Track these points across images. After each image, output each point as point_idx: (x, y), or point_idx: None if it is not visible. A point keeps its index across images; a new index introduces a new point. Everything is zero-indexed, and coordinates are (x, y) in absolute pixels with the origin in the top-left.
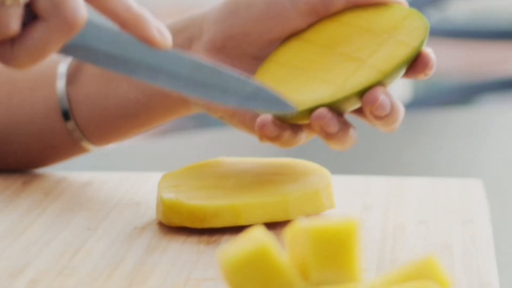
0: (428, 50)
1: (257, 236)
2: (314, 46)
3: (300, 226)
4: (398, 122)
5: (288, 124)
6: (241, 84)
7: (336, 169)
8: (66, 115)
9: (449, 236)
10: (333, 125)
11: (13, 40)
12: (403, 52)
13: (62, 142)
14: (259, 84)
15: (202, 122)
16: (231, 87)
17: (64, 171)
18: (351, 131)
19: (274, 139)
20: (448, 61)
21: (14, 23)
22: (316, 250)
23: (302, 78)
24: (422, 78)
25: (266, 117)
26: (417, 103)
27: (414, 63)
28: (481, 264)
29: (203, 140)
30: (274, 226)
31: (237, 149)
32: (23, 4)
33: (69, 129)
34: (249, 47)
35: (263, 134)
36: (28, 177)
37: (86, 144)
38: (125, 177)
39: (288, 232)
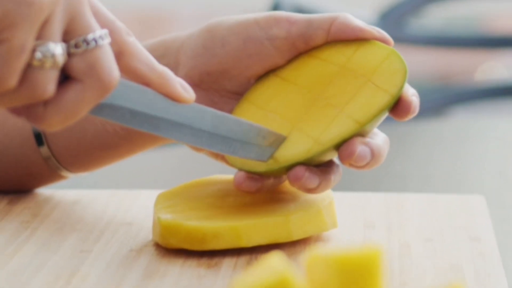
0: (409, 94)
1: (276, 264)
2: (292, 86)
3: (321, 254)
4: (382, 161)
5: (263, 176)
6: (262, 136)
7: None
8: (39, 139)
9: (458, 256)
10: (312, 182)
11: (46, 101)
12: (382, 100)
13: (39, 170)
14: (278, 135)
15: None
16: (252, 139)
17: (50, 189)
18: (333, 176)
19: (256, 191)
20: (421, 68)
21: (51, 86)
22: (341, 280)
23: (280, 126)
24: (403, 121)
25: (240, 175)
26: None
27: (395, 109)
28: (494, 284)
29: (191, 154)
30: (276, 247)
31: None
32: (60, 67)
33: (44, 157)
34: (228, 83)
35: (243, 190)
36: (13, 196)
37: (63, 172)
38: (113, 195)
39: (307, 259)
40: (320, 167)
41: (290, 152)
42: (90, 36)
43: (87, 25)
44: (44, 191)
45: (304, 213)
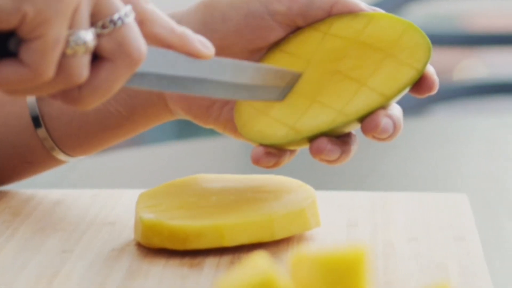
0: (432, 71)
1: (261, 264)
2: (300, 61)
3: (306, 254)
4: (400, 132)
5: (281, 149)
6: (279, 77)
7: (313, 185)
8: (37, 122)
9: (442, 254)
10: (333, 154)
11: (81, 84)
12: (407, 74)
13: (37, 156)
14: (293, 73)
15: (175, 134)
16: (271, 81)
17: (31, 189)
18: (352, 147)
19: (273, 166)
20: None
21: (85, 71)
22: (325, 279)
23: (297, 99)
24: (422, 97)
25: (258, 150)
26: None
27: (418, 85)
28: (478, 283)
29: (173, 153)
30: (258, 246)
31: (214, 162)
32: (92, 50)
33: (41, 138)
34: (230, 58)
35: (261, 166)
36: None
37: (60, 155)
38: (96, 195)
39: (292, 259)
40: (340, 138)
41: (313, 122)
42: (116, 16)
43: (112, 5)
44: (26, 190)
45: (287, 212)
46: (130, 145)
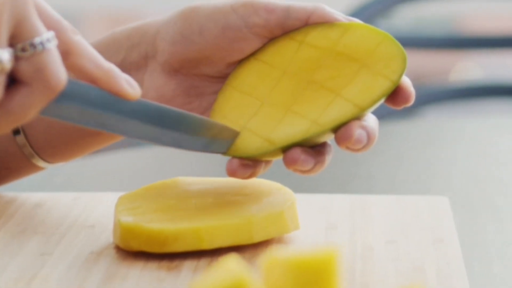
0: (408, 83)
1: (232, 267)
2: (275, 70)
3: (278, 257)
4: (374, 142)
5: (256, 161)
6: (205, 127)
7: (294, 188)
8: (15, 130)
9: (421, 257)
10: (307, 165)
11: None
12: (382, 85)
13: (16, 163)
14: (221, 125)
15: None
16: (199, 131)
17: (13, 192)
18: (326, 156)
19: (249, 177)
20: None
21: (0, 91)
22: (297, 282)
23: (272, 110)
24: (398, 108)
25: (233, 162)
26: None
27: (393, 96)
28: (455, 285)
29: (155, 157)
30: (237, 249)
31: (194, 165)
32: (8, 72)
33: (20, 145)
34: (208, 69)
35: (237, 177)
36: None
37: (39, 162)
38: (77, 198)
39: (264, 262)
40: (314, 148)
41: (287, 133)
42: (37, 40)
43: (34, 28)
44: (7, 193)
45: (266, 215)
46: (113, 148)
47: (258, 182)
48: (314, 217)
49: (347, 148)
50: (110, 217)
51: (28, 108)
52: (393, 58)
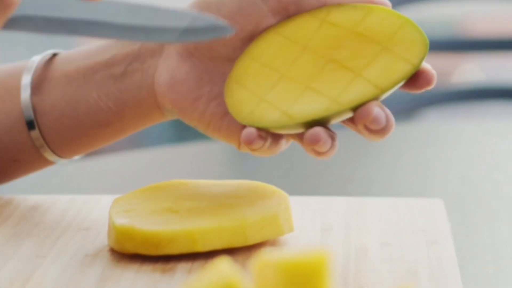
0: (429, 66)
1: (223, 269)
2: (296, 45)
3: (268, 258)
4: (391, 133)
5: (270, 134)
6: (178, 18)
7: (290, 190)
8: (31, 124)
9: (414, 260)
10: (326, 146)
11: None
12: (403, 68)
13: (26, 155)
14: (196, 14)
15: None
16: (169, 23)
17: (9, 194)
18: (336, 142)
19: (257, 150)
20: None
21: None
22: (287, 285)
23: (291, 84)
24: (417, 92)
25: (251, 131)
26: None
27: (414, 79)
28: (448, 287)
29: (150, 159)
30: (231, 252)
31: (190, 168)
32: None
33: (33, 138)
34: (222, 49)
35: (253, 148)
36: None
37: (49, 155)
38: (72, 200)
39: (255, 264)
40: (331, 133)
41: (306, 109)
42: None
43: None
44: (4, 195)
45: (260, 218)
46: (110, 151)
47: (253, 185)
48: (309, 219)
49: (365, 127)
50: (105, 220)
51: None
52: (414, 43)
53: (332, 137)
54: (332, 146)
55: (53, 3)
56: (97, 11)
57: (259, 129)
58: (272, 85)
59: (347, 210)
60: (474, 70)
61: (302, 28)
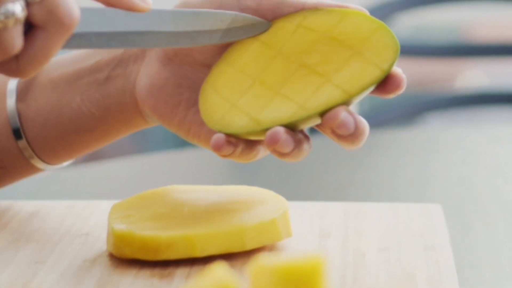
0: (399, 71)
1: (219, 274)
2: (271, 51)
3: (264, 263)
4: (363, 140)
5: (242, 140)
6: (219, 20)
7: (288, 195)
8: (17, 133)
9: (412, 265)
10: (287, 146)
11: (17, 54)
12: (372, 73)
13: (13, 162)
14: (234, 14)
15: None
16: (212, 26)
17: (8, 200)
18: (305, 146)
19: (229, 156)
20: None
21: (19, 42)
22: None
23: (262, 90)
24: (388, 97)
25: (220, 137)
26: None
27: (384, 84)
28: None
29: (149, 165)
30: (229, 257)
31: (188, 173)
32: (23, 21)
33: (20, 148)
34: (200, 55)
35: (221, 153)
36: None
37: (38, 163)
38: (71, 206)
39: (251, 269)
40: (297, 134)
41: (274, 115)
42: None
43: None
44: (3, 202)
45: (258, 223)
46: (109, 156)
47: (251, 190)
48: (307, 224)
49: (333, 132)
50: (104, 225)
51: (49, 49)
52: (386, 47)
53: (300, 140)
54: (300, 149)
55: (103, 18)
56: (144, 21)
57: (228, 135)
58: (244, 90)
59: (345, 215)
60: (477, 75)
61: (278, 33)
